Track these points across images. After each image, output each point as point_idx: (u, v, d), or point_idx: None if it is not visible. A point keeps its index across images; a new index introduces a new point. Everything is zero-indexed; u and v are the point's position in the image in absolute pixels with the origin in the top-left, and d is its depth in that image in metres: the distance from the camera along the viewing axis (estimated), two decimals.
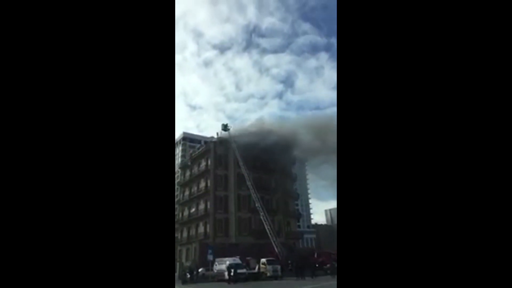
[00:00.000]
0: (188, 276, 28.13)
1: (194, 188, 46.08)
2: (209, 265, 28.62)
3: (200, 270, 28.26)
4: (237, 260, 25.88)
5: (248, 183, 37.95)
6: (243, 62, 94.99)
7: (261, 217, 35.31)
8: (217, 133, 46.64)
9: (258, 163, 42.11)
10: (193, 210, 44.63)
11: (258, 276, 25.02)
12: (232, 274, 22.52)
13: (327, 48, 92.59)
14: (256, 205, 36.29)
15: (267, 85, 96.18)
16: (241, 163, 39.35)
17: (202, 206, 43.69)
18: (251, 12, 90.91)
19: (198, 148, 47.56)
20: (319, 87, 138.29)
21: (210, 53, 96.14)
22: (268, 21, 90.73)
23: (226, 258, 26.52)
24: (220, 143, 45.21)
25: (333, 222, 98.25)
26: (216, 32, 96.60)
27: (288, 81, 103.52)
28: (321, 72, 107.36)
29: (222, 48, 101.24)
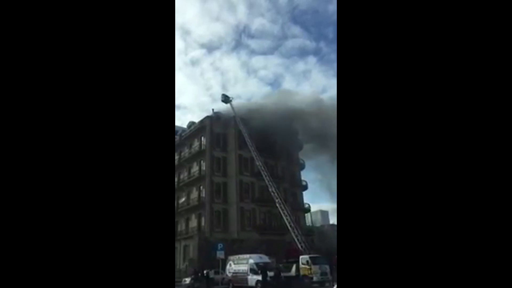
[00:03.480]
0: (187, 282, 20.14)
1: (184, 174, 37.82)
2: (218, 266, 20.69)
3: (205, 272, 20.21)
4: (264, 258, 18.23)
5: (258, 163, 30.29)
6: (231, 63, 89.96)
7: (278, 206, 27.75)
8: (213, 110, 38.69)
9: (262, 146, 34.62)
10: (182, 200, 36.32)
11: (294, 281, 17.45)
12: (268, 278, 14.82)
13: (315, 52, 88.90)
14: (270, 190, 28.72)
15: (254, 86, 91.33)
16: (248, 142, 31.66)
17: (194, 195, 35.52)
18: (242, 12, 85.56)
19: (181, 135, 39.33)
20: (306, 91, 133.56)
21: (198, 52, 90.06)
22: (258, 22, 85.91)
23: (246, 255, 18.80)
24: (218, 119, 37.27)
25: (314, 225, 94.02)
26: (204, 30, 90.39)
27: (275, 84, 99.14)
28: (309, 76, 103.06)
29: (210, 48, 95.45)
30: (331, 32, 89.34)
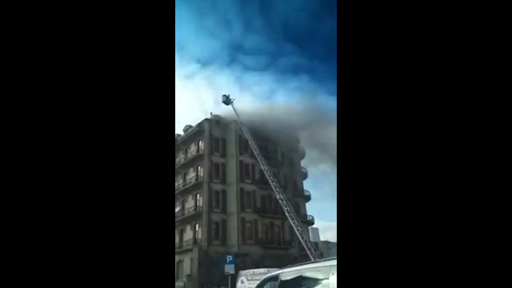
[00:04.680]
0: None
1: (179, 181, 34.66)
2: (226, 283, 17.56)
3: None
4: None
5: (264, 168, 27.52)
6: (224, 78, 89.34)
7: (287, 216, 24.97)
8: (211, 113, 35.96)
9: (264, 153, 32.03)
10: (176, 209, 33.03)
11: None
12: None
13: (309, 70, 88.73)
14: (278, 197, 25.92)
15: (248, 102, 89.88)
16: (252, 145, 28.95)
17: (190, 204, 32.41)
18: (237, 29, 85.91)
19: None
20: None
21: (192, 67, 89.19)
22: (253, 39, 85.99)
23: (262, 270, 15.84)
24: (217, 122, 34.56)
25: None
26: (199, 46, 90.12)
27: (268, 99, 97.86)
28: (301, 92, 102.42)
29: (204, 63, 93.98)
30: (324, 50, 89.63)
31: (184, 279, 25.11)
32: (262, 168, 27.63)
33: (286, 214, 24.84)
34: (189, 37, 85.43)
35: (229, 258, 16.92)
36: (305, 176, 39.13)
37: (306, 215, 36.63)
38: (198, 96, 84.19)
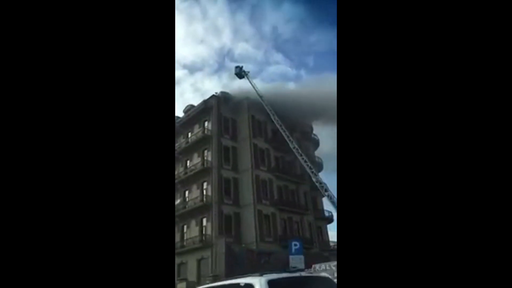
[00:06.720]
0: None
1: (179, 169, 29.12)
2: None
3: None
4: None
5: (293, 146, 22.70)
6: (212, 85, 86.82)
7: (331, 203, 20.23)
8: (216, 93, 30.79)
9: (277, 138, 27.38)
10: (178, 201, 27.43)
11: None
12: None
13: (296, 79, 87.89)
14: (315, 179, 21.13)
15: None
16: (276, 120, 24.12)
17: (195, 194, 26.90)
18: (226, 36, 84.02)
19: None
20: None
21: (179, 73, 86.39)
22: (242, 47, 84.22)
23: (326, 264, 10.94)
24: (226, 100, 29.44)
25: None
26: (188, 52, 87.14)
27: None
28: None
29: (192, 69, 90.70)
30: (312, 60, 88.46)
31: (207, 281, 19.61)
32: (291, 146, 22.85)
33: (328, 200, 20.12)
34: (178, 43, 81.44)
35: (295, 245, 11.84)
36: (320, 167, 34.58)
37: (323, 210, 31.94)
38: (184, 101, 79.75)
